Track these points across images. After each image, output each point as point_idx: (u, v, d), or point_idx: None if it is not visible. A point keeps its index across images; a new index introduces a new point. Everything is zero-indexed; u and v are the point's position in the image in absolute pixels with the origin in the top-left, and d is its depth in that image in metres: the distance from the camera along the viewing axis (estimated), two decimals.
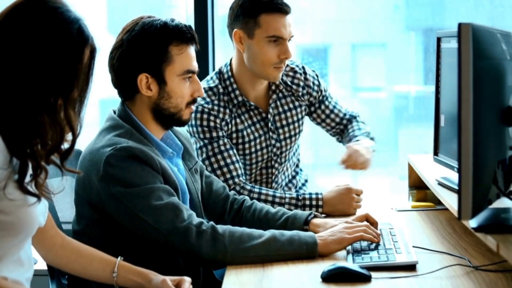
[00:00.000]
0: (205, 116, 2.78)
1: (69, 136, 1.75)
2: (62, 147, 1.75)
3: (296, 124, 2.99)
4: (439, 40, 2.57)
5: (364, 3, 4.43)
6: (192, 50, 2.29)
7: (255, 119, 2.91)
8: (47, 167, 1.76)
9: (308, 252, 2.17)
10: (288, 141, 2.98)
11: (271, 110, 2.93)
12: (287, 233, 2.20)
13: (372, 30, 4.48)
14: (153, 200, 2.15)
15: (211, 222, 2.19)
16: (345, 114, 3.11)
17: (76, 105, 1.75)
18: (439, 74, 2.58)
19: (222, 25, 3.96)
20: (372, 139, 3.03)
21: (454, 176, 2.43)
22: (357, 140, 2.94)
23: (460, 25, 1.70)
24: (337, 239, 2.19)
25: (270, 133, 2.93)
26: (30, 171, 1.74)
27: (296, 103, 2.99)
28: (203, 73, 3.55)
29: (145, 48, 2.22)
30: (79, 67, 1.73)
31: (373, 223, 2.37)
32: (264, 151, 2.93)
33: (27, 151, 1.71)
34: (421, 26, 4.49)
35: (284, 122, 2.96)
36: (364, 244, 2.21)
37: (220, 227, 2.18)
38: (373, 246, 2.20)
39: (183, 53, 2.25)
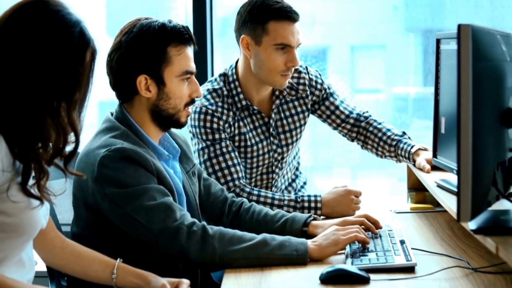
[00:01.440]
0: (208, 117, 2.78)
1: (71, 137, 1.75)
2: (65, 149, 1.75)
3: (298, 130, 2.98)
4: (438, 41, 2.57)
5: (363, 4, 4.43)
6: (190, 51, 2.29)
7: (257, 124, 2.91)
8: (48, 169, 1.76)
9: (298, 258, 2.15)
10: (290, 147, 2.97)
11: (273, 115, 2.93)
12: (279, 238, 2.19)
13: (371, 32, 4.48)
14: (146, 200, 2.15)
15: (203, 223, 2.19)
16: (351, 112, 3.06)
17: (78, 106, 1.75)
18: (439, 76, 2.57)
19: (221, 27, 3.96)
20: (404, 133, 3.01)
21: (453, 179, 2.43)
22: (413, 146, 2.86)
23: (459, 26, 1.70)
24: (332, 242, 2.18)
25: (272, 138, 2.93)
26: (32, 174, 1.74)
27: (299, 109, 2.98)
28: (201, 75, 3.55)
29: (144, 50, 2.22)
30: (81, 69, 1.74)
31: (374, 223, 2.37)
32: (266, 156, 2.92)
33: (30, 155, 1.71)
34: (420, 27, 4.49)
35: (286, 128, 2.95)
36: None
37: (211, 228, 2.17)
38: (372, 248, 2.20)
39: (181, 54, 2.26)
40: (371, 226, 2.35)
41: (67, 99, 1.72)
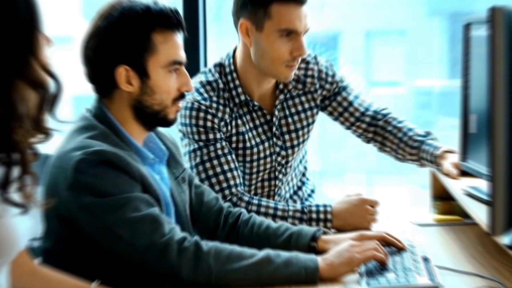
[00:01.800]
0: (201, 114, 2.77)
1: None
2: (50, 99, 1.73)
3: (306, 130, 2.98)
4: (467, 26, 2.56)
5: None
6: (178, 38, 2.28)
7: (258, 122, 2.90)
8: (37, 175, 1.74)
9: (307, 277, 2.14)
10: (295, 149, 2.96)
11: (276, 113, 2.92)
12: (285, 254, 2.18)
13: (390, 16, 4.49)
14: (129, 211, 2.14)
15: (195, 238, 2.18)
16: (367, 109, 3.06)
17: (41, 46, 1.74)
18: (467, 67, 2.57)
19: (215, 10, 3.96)
20: (428, 133, 2.99)
21: (484, 186, 2.42)
22: (438, 148, 2.84)
23: (492, 9, 1.69)
24: (346, 260, 2.17)
25: (275, 139, 2.92)
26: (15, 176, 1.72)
27: (307, 105, 2.97)
28: (193, 66, 3.55)
29: (125, 37, 2.21)
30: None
31: (393, 244, 2.34)
32: (268, 159, 2.91)
33: (11, 139, 1.69)
34: (446, 10, 4.49)
35: (291, 127, 2.95)
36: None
37: (206, 244, 2.16)
38: (390, 266, 2.19)
39: (168, 41, 2.25)
40: (394, 242, 2.33)
41: (31, 45, 1.70)
